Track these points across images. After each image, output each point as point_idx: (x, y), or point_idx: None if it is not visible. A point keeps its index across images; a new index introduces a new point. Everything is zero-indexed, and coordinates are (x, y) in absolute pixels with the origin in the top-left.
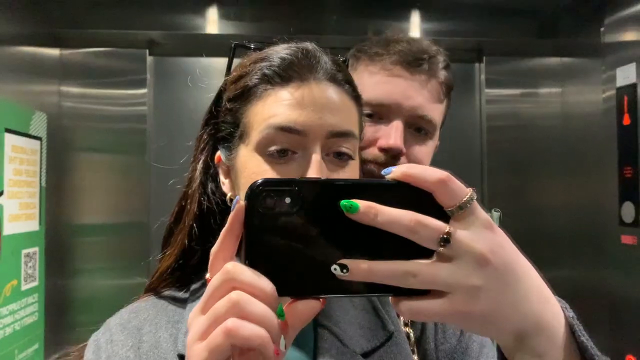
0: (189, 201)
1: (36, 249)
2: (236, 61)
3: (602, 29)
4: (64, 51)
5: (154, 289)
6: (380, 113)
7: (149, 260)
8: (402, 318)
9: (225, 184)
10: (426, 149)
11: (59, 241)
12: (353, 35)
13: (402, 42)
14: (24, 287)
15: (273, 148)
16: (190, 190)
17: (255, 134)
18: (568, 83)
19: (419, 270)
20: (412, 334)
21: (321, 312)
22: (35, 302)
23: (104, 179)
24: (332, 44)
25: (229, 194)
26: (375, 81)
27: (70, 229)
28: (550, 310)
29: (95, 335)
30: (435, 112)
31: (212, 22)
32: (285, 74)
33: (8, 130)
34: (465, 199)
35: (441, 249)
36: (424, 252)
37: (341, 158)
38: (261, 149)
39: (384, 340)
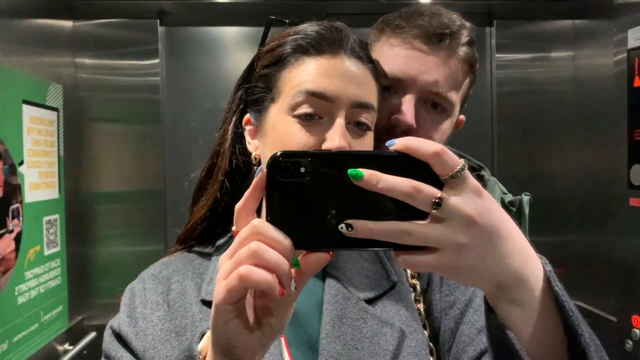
0: (220, 158)
1: (57, 216)
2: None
3: None
4: (76, 23)
5: (185, 238)
6: (396, 86)
7: (167, 223)
8: (409, 271)
9: (251, 144)
10: (440, 126)
11: (78, 208)
12: (365, 1)
13: (425, 15)
14: (46, 253)
15: (302, 110)
16: (222, 149)
17: (288, 98)
18: (580, 46)
19: (414, 229)
20: (418, 286)
21: (330, 263)
22: (57, 266)
23: (120, 148)
24: (344, 10)
25: (254, 153)
26: (394, 54)
27: (89, 197)
28: (531, 266)
29: (130, 285)
30: (453, 90)
31: None
32: (319, 46)
33: (26, 102)
34: (457, 169)
35: (434, 211)
36: (420, 215)
37: (360, 127)
38: (291, 111)
39: (387, 289)
